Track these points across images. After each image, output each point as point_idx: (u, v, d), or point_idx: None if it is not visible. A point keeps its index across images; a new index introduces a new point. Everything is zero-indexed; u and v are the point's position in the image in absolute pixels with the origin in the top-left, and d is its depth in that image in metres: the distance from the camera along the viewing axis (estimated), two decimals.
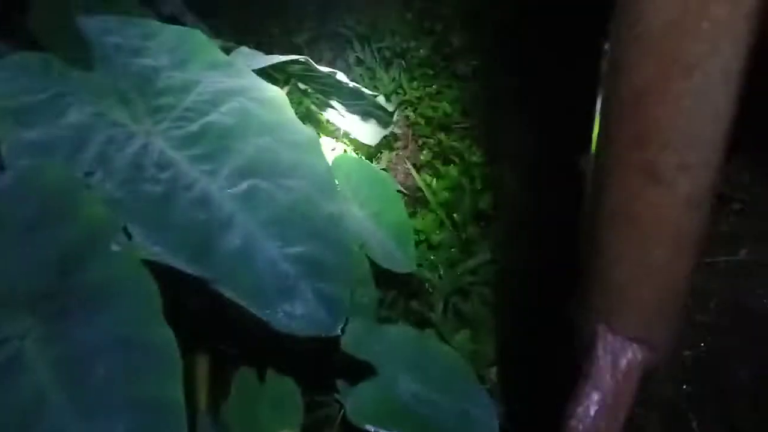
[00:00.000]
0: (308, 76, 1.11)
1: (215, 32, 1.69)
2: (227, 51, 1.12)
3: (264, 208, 0.80)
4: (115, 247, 0.67)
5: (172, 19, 1.46)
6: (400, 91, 1.48)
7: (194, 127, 0.82)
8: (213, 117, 0.84)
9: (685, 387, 0.95)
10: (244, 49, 1.07)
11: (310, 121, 1.32)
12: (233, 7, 1.79)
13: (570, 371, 0.65)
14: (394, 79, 1.49)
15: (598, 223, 0.61)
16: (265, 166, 0.83)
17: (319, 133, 1.27)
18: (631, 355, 0.62)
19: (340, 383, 0.92)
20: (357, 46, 1.57)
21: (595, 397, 0.61)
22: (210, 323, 0.88)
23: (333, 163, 1.04)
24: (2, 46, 1.18)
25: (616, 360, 0.62)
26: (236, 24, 1.73)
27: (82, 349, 0.66)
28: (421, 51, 1.50)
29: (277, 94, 0.90)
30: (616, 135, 0.57)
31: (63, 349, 0.67)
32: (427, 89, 1.46)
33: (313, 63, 1.07)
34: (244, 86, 0.88)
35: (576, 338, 0.67)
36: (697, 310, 1.02)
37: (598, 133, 0.60)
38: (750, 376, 0.93)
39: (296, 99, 1.28)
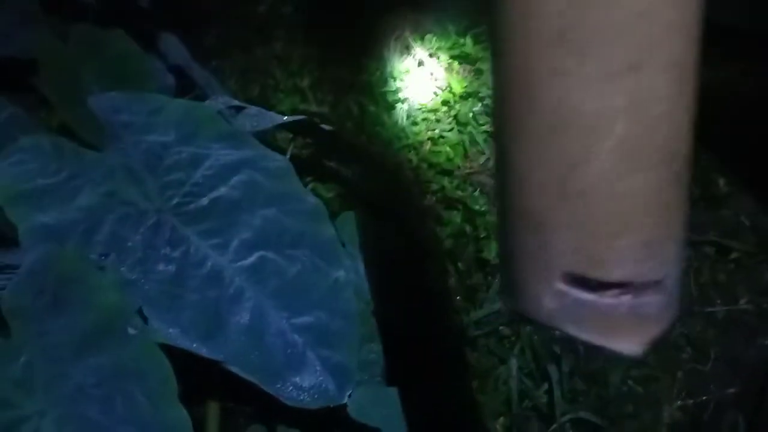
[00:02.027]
0: (311, 133, 1.13)
1: (220, 78, 1.74)
2: (236, 111, 1.15)
3: (272, 280, 0.83)
4: (131, 331, 0.70)
5: (178, 69, 1.51)
6: (402, 135, 1.50)
7: (204, 201, 0.85)
8: (221, 191, 0.86)
9: None
10: (252, 109, 1.10)
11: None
12: (237, 50, 1.82)
13: None
14: (396, 123, 1.52)
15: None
16: (272, 237, 0.86)
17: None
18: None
19: None
20: (360, 91, 1.60)
21: None
22: (221, 380, 0.90)
23: (337, 221, 1.06)
24: (15, 108, 1.21)
25: None
26: (242, 67, 1.77)
27: (98, 429, 0.69)
28: (423, 96, 1.53)
29: (283, 163, 0.93)
30: None
31: (79, 429, 0.69)
32: (429, 133, 1.48)
33: (317, 121, 1.10)
34: (250, 157, 0.91)
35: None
36: (697, 360, 1.03)
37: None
38: (749, 429, 0.95)
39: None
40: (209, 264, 0.81)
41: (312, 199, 0.92)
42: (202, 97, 1.51)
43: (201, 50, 1.80)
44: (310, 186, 1.40)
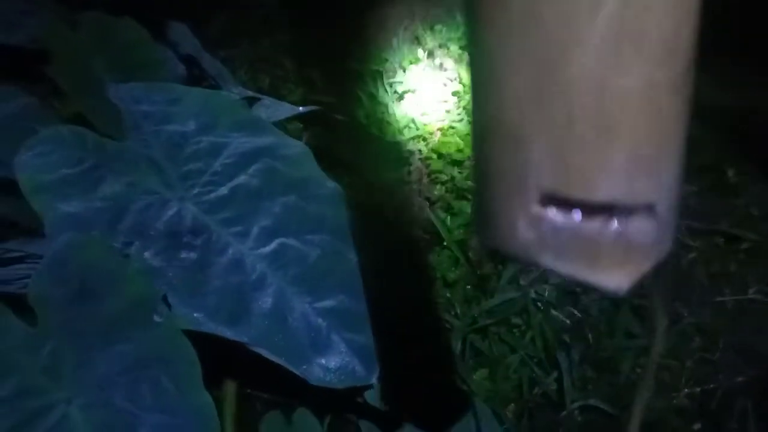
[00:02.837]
0: (324, 123, 1.14)
1: (231, 68, 1.74)
2: (250, 102, 1.16)
3: (293, 266, 0.84)
4: (157, 318, 0.71)
5: (189, 59, 1.51)
6: (411, 125, 1.51)
7: (224, 190, 0.86)
8: (241, 179, 0.87)
9: (694, 426, 0.98)
10: (266, 100, 1.11)
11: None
12: (245, 40, 1.82)
13: None
14: (406, 114, 1.53)
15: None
16: (292, 224, 0.87)
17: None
18: None
19: (363, 425, 0.96)
20: (369, 81, 1.60)
21: None
22: (238, 365, 0.92)
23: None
24: (30, 98, 1.22)
25: None
26: (250, 57, 1.77)
27: (125, 415, 0.70)
28: (433, 86, 1.54)
29: (301, 149, 0.94)
30: None
31: (106, 416, 0.71)
32: (439, 124, 1.49)
33: (329, 113, 1.10)
34: (270, 144, 0.92)
35: None
36: (706, 349, 1.05)
37: None
38: (758, 417, 0.96)
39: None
40: (231, 251, 0.82)
41: (331, 184, 0.93)
42: (214, 88, 1.52)
43: (209, 40, 1.80)
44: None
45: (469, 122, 1.49)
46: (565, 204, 0.37)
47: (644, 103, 0.35)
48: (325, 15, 1.81)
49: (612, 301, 1.12)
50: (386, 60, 1.64)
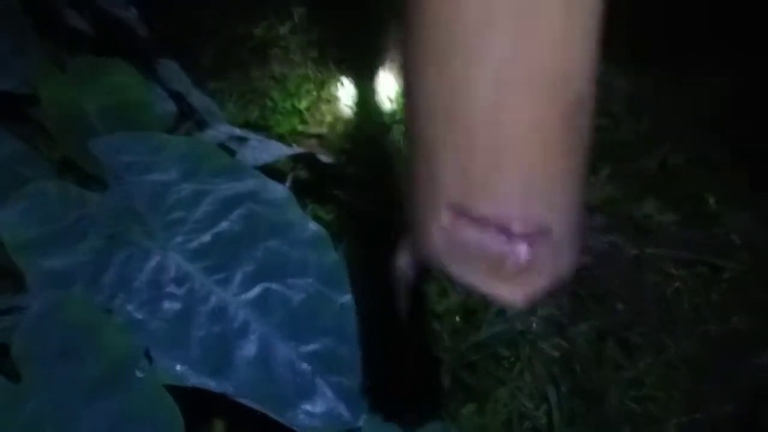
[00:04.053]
0: (311, 165, 1.16)
1: (219, 100, 1.76)
2: (240, 140, 1.17)
3: (277, 311, 0.84)
4: (138, 374, 0.71)
5: (178, 96, 1.52)
6: (399, 156, 1.52)
7: (206, 237, 0.87)
8: (223, 226, 0.88)
9: None
10: (253, 141, 1.12)
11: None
12: (235, 71, 1.85)
13: None
14: (393, 145, 1.54)
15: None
16: (275, 269, 0.87)
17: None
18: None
19: None
20: (359, 111, 1.62)
21: None
22: (227, 404, 0.92)
23: (343, 244, 1.07)
24: (18, 144, 1.23)
25: None
26: (240, 89, 1.79)
27: None
28: None
29: (283, 193, 0.94)
30: None
31: None
32: None
33: (317, 155, 1.11)
34: (251, 189, 0.92)
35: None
36: (692, 380, 1.05)
37: None
38: None
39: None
40: (213, 299, 0.82)
41: (313, 226, 0.93)
42: (202, 124, 1.54)
43: (198, 71, 1.82)
44: (310, 208, 1.42)
45: None
46: (469, 219, 0.40)
47: (534, 136, 0.38)
48: (314, 46, 1.83)
49: (599, 333, 1.12)
50: (373, 90, 1.65)
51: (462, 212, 0.40)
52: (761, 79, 1.37)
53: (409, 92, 0.43)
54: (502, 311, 1.19)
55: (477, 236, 0.40)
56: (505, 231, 0.40)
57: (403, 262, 0.50)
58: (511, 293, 0.41)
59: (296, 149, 1.10)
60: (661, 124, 1.37)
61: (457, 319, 1.22)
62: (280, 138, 1.61)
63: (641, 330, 1.10)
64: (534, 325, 1.15)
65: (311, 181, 1.40)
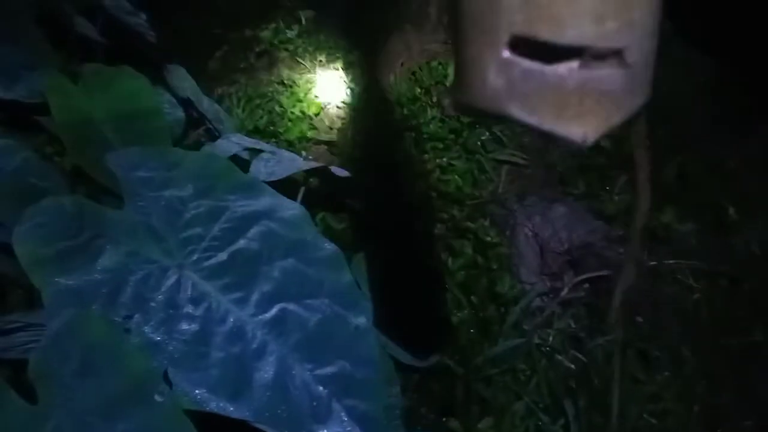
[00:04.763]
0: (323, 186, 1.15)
1: (228, 106, 1.75)
2: (252, 151, 1.16)
3: (294, 332, 0.84)
4: (158, 398, 0.70)
5: (187, 102, 1.52)
6: (410, 163, 1.51)
7: (223, 255, 0.86)
8: (240, 243, 0.87)
9: None
10: (266, 154, 1.11)
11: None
12: (243, 75, 1.83)
13: None
14: (404, 151, 1.53)
15: None
16: (292, 288, 0.87)
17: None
18: None
19: None
20: (368, 117, 1.61)
21: None
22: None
23: (353, 265, 1.06)
24: (28, 153, 1.22)
25: None
26: (249, 93, 1.78)
27: None
28: (431, 125, 1.54)
29: (298, 211, 0.93)
30: None
31: None
32: (438, 161, 1.49)
33: (331, 169, 1.10)
34: (267, 207, 0.92)
35: None
36: (712, 394, 1.04)
37: None
38: None
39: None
40: (231, 319, 0.82)
41: (329, 246, 0.93)
42: (212, 131, 1.53)
43: (206, 76, 1.81)
44: (321, 216, 1.41)
45: (468, 159, 1.49)
46: (534, 48, 0.37)
47: None
48: (322, 51, 1.82)
49: (618, 346, 1.11)
50: (383, 96, 1.64)
51: (526, 43, 0.36)
52: None
53: None
54: (518, 324, 1.18)
55: (542, 65, 0.36)
56: (573, 55, 0.36)
57: (449, 104, 0.46)
58: (579, 129, 0.37)
59: (310, 163, 1.09)
60: (680, 131, 1.35)
61: (472, 331, 1.21)
62: (290, 145, 1.60)
63: (660, 343, 1.08)
64: (551, 338, 1.14)
65: (323, 192, 1.38)
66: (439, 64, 1.64)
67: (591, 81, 0.36)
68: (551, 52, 0.36)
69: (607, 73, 0.36)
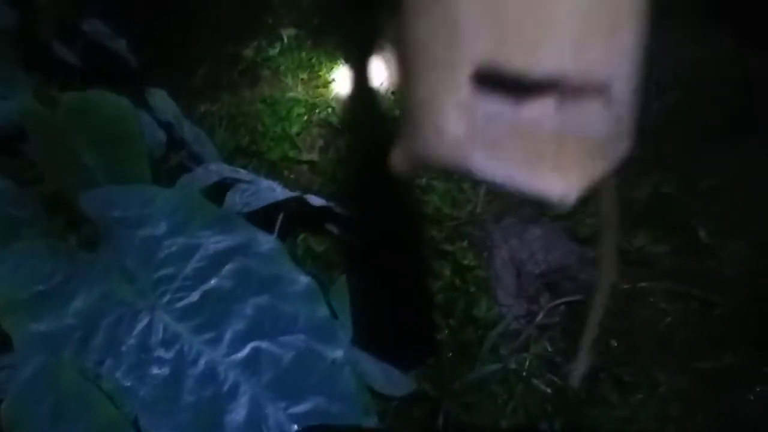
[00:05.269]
0: (303, 211, 1.15)
1: (210, 125, 1.75)
2: (230, 181, 1.17)
3: (267, 371, 0.84)
4: None
5: (168, 126, 1.52)
6: (390, 182, 1.52)
7: (195, 296, 0.86)
8: (213, 282, 0.88)
9: None
10: (243, 184, 1.12)
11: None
12: (225, 92, 1.84)
13: None
14: (384, 171, 1.54)
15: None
16: (265, 325, 0.87)
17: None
18: None
19: None
20: (347, 136, 1.62)
21: None
22: None
23: (332, 293, 1.07)
24: (5, 182, 1.22)
25: None
26: (231, 112, 1.78)
27: None
28: None
29: (273, 244, 0.94)
30: None
31: None
32: (417, 181, 1.50)
33: (307, 199, 1.11)
34: (241, 242, 0.92)
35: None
36: (685, 417, 1.05)
37: None
38: None
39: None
40: (203, 361, 0.82)
41: (304, 279, 0.93)
42: (193, 156, 1.53)
43: (189, 94, 1.82)
44: (302, 238, 1.42)
45: (447, 179, 1.50)
46: (500, 85, 0.30)
47: None
48: (303, 68, 1.82)
49: (592, 370, 1.13)
50: (364, 114, 1.65)
51: (490, 75, 0.29)
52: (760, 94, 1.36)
53: None
54: (495, 348, 1.19)
55: (511, 105, 0.30)
56: (550, 92, 0.29)
57: (398, 158, 0.38)
58: (559, 184, 0.31)
59: (287, 193, 1.10)
60: (655, 149, 1.36)
61: (450, 354, 1.22)
62: (272, 165, 1.60)
63: (634, 366, 1.10)
64: (527, 362, 1.15)
65: (304, 214, 1.39)
66: None
67: (571, 124, 0.30)
68: (521, 90, 0.29)
69: (589, 115, 0.30)
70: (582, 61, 0.29)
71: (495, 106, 0.30)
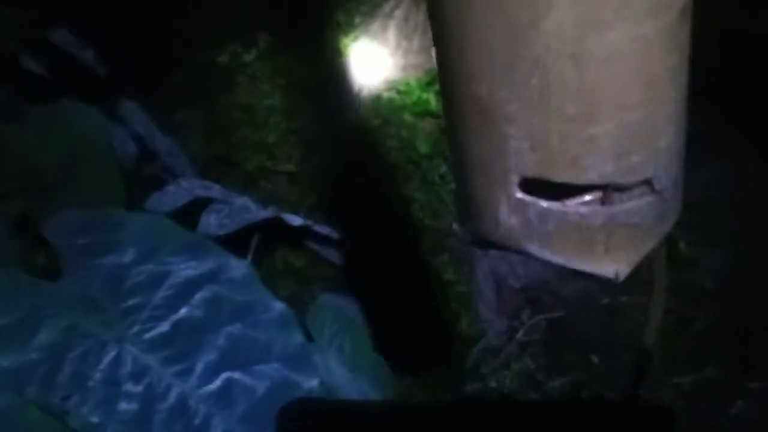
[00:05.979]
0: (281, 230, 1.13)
1: (185, 135, 1.72)
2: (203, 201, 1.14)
3: (240, 403, 0.82)
4: None
5: (139, 137, 1.48)
6: (369, 194, 1.50)
7: (165, 326, 0.84)
8: (183, 311, 0.85)
9: None
10: (216, 205, 1.09)
11: None
12: (201, 99, 1.80)
13: None
14: (364, 182, 1.52)
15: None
16: (238, 355, 0.85)
17: None
18: None
19: None
20: (325, 146, 1.60)
21: None
22: None
23: (309, 315, 1.05)
24: None
25: None
26: (207, 122, 1.75)
27: None
28: (389, 154, 1.53)
29: (246, 269, 0.92)
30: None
31: None
32: (396, 193, 1.48)
33: (285, 218, 1.09)
34: (213, 269, 0.90)
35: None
36: None
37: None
38: None
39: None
40: (174, 394, 0.80)
41: (278, 305, 0.91)
42: (166, 168, 1.50)
43: (162, 104, 1.77)
44: (280, 254, 1.39)
45: (428, 191, 1.48)
46: (548, 187, 0.33)
47: (632, 62, 0.29)
48: (281, 75, 1.79)
49: (573, 387, 1.12)
50: (342, 124, 1.62)
51: (539, 183, 0.32)
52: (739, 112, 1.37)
53: (446, 42, 0.32)
54: (476, 365, 1.18)
55: (560, 204, 0.32)
56: (596, 191, 0.32)
57: (463, 234, 0.43)
58: (611, 265, 0.34)
59: (261, 214, 1.07)
60: None
61: (431, 372, 1.21)
62: (249, 177, 1.57)
63: (615, 382, 1.09)
64: (508, 380, 1.14)
65: (281, 229, 1.37)
66: (397, 92, 1.63)
67: (618, 215, 0.33)
68: (569, 190, 0.32)
69: (635, 205, 0.33)
70: (624, 167, 0.31)
71: (545, 205, 0.33)
